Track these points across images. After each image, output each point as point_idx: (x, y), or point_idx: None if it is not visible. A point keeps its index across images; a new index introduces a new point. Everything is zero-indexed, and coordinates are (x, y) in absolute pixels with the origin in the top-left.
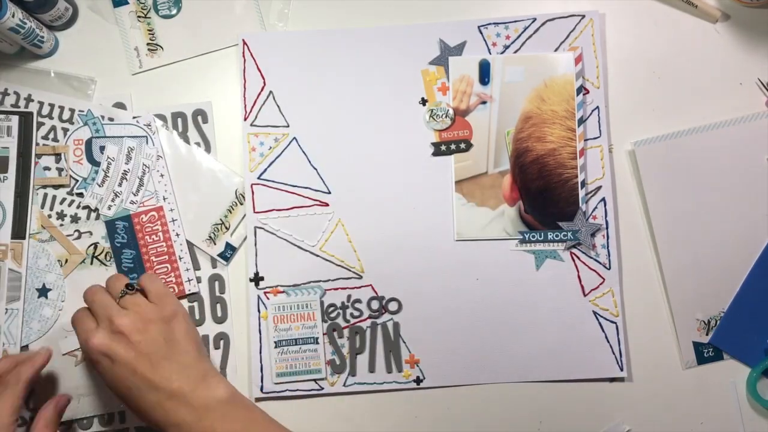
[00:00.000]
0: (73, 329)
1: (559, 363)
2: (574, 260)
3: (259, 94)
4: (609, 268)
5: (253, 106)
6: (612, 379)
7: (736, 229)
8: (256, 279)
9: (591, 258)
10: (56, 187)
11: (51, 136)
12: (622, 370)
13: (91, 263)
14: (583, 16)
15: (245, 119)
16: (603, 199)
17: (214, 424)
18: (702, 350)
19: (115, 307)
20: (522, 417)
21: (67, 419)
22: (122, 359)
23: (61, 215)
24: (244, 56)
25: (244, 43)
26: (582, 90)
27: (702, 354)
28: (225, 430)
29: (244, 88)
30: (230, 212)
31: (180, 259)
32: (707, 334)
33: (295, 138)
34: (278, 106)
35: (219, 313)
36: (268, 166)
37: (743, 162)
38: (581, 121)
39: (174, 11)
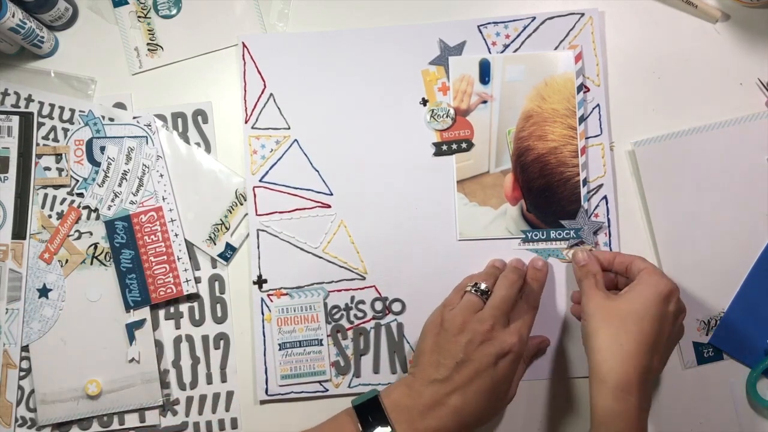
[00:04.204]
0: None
1: (563, 362)
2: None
3: (260, 96)
4: None
5: (254, 109)
6: None
7: (736, 229)
8: (260, 281)
9: None
10: (56, 187)
11: (51, 136)
12: None
13: (92, 263)
14: (583, 14)
15: (246, 122)
16: (605, 197)
17: None
18: (702, 350)
19: None
20: (522, 417)
21: (67, 420)
22: None
23: (61, 215)
24: (244, 59)
25: (244, 45)
26: (582, 88)
27: (702, 354)
28: None
29: (245, 90)
30: (230, 212)
31: (178, 259)
32: (707, 334)
33: (296, 140)
34: (279, 108)
35: (219, 313)
36: (270, 169)
37: (743, 162)
38: (582, 119)
39: (174, 11)
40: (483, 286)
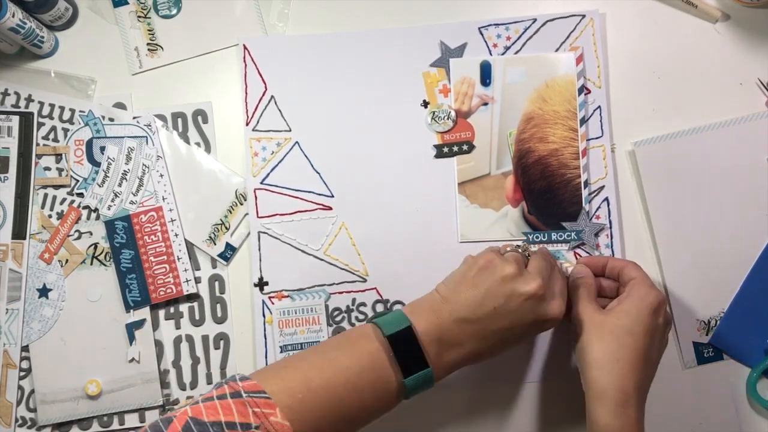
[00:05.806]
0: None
1: (564, 362)
2: (578, 260)
3: (261, 98)
4: None
5: (254, 111)
6: None
7: (736, 229)
8: (261, 284)
9: None
10: (56, 187)
11: (51, 136)
12: None
13: (91, 263)
14: (584, 16)
15: (247, 124)
16: (606, 199)
17: None
18: (702, 350)
19: None
20: (522, 417)
21: (67, 420)
22: None
23: (61, 215)
24: (245, 61)
25: (245, 47)
26: (583, 90)
27: (702, 354)
28: None
29: (246, 93)
30: (230, 212)
31: (178, 259)
32: (707, 335)
33: (297, 142)
34: (280, 110)
35: (219, 314)
36: (271, 171)
37: (743, 162)
38: (583, 120)
39: (174, 11)
40: (523, 247)
